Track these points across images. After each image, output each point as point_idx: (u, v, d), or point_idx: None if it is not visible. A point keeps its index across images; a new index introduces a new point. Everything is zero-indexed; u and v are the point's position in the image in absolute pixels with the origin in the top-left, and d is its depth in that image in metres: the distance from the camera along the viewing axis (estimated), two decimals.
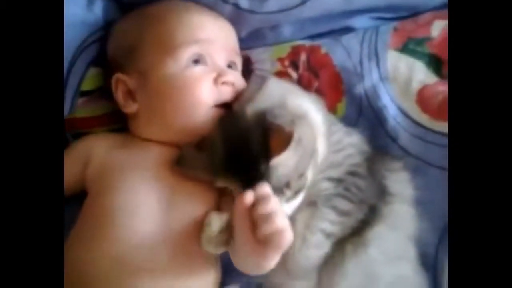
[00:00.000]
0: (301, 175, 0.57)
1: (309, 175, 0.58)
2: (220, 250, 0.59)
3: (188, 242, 0.59)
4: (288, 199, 0.57)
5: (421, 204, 0.63)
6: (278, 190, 0.55)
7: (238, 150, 0.56)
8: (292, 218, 0.57)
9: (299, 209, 0.58)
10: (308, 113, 0.60)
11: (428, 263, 0.64)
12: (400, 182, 0.63)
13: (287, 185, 0.56)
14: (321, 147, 0.60)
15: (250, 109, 0.59)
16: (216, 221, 0.58)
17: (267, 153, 0.54)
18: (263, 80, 0.67)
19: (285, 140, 0.53)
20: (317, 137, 0.59)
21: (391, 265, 0.60)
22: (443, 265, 0.64)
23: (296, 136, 0.54)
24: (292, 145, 0.53)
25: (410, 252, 0.62)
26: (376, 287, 0.59)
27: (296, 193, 0.57)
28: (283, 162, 0.55)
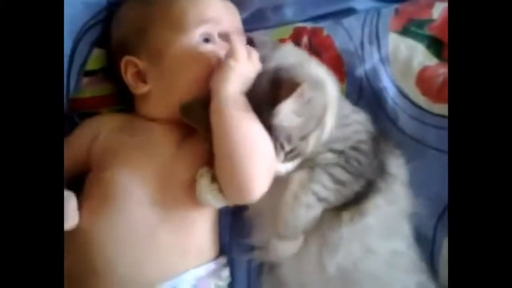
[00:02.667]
0: (304, 138, 0.59)
1: (311, 143, 0.60)
2: (215, 201, 0.61)
3: (186, 205, 0.63)
4: (284, 160, 0.60)
5: (419, 184, 0.65)
6: (279, 142, 0.58)
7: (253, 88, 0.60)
8: (288, 177, 0.60)
9: (297, 170, 0.61)
10: (325, 82, 0.62)
11: (425, 243, 0.66)
12: (398, 166, 0.65)
13: (288, 139, 0.58)
14: (330, 122, 0.61)
15: (265, 65, 0.62)
16: (207, 173, 0.61)
17: (273, 102, 0.56)
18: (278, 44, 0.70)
19: (293, 90, 0.55)
20: (328, 109, 0.61)
21: (386, 239, 0.62)
22: (440, 245, 0.66)
23: (306, 95, 0.57)
24: (297, 94, 0.55)
25: (404, 229, 0.64)
26: (373, 262, 0.61)
27: (294, 156, 0.60)
28: (287, 114, 0.57)
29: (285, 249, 0.63)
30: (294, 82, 0.56)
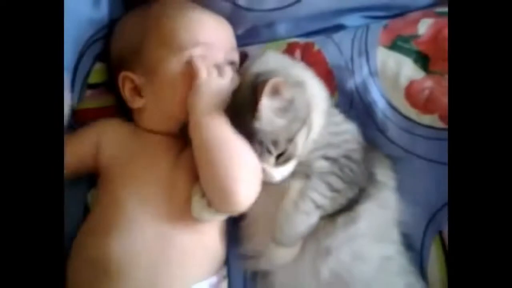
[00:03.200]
0: (291, 140, 0.61)
1: (300, 144, 0.62)
2: (207, 215, 0.63)
3: (191, 226, 0.64)
4: (278, 164, 0.61)
5: (409, 192, 0.67)
6: (265, 148, 0.60)
7: (228, 108, 0.62)
8: (287, 185, 0.63)
9: (295, 178, 0.63)
10: (306, 83, 0.64)
11: (414, 248, 0.67)
12: (386, 175, 0.68)
13: (275, 144, 0.60)
14: (318, 122, 0.64)
15: (246, 74, 0.65)
16: (199, 189, 0.63)
17: (254, 108, 0.59)
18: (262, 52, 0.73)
19: (264, 87, 0.58)
20: (313, 108, 0.63)
21: (377, 245, 0.64)
22: (429, 250, 0.68)
23: (285, 95, 0.60)
24: (268, 89, 0.58)
25: (394, 235, 0.66)
26: (362, 268, 0.62)
27: (286, 160, 0.61)
28: (268, 116, 0.59)
29: (281, 256, 0.64)
30: (265, 80, 0.58)
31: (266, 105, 0.59)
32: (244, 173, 0.60)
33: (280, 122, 0.60)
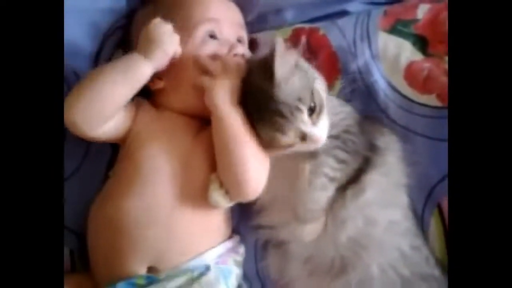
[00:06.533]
0: (311, 90, 0.64)
1: (321, 90, 0.65)
2: (223, 202, 0.68)
3: (201, 196, 0.68)
4: (315, 121, 0.63)
5: (408, 168, 0.71)
6: (293, 107, 0.62)
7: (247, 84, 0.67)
8: (300, 166, 0.67)
9: (304, 160, 0.67)
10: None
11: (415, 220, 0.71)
12: (387, 141, 0.71)
13: (300, 99, 0.62)
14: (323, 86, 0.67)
15: (254, 60, 0.70)
16: (217, 179, 0.68)
17: (271, 79, 0.63)
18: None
19: (273, 49, 0.62)
20: (315, 75, 0.67)
21: (385, 210, 0.68)
22: (428, 222, 0.72)
23: (292, 61, 0.65)
24: (277, 46, 0.62)
25: (401, 199, 0.70)
26: (374, 231, 0.67)
27: (319, 112, 0.64)
28: (284, 76, 0.63)
29: (308, 233, 0.67)
30: (271, 43, 0.63)
31: (279, 65, 0.62)
32: (254, 166, 0.65)
33: (295, 79, 0.64)
